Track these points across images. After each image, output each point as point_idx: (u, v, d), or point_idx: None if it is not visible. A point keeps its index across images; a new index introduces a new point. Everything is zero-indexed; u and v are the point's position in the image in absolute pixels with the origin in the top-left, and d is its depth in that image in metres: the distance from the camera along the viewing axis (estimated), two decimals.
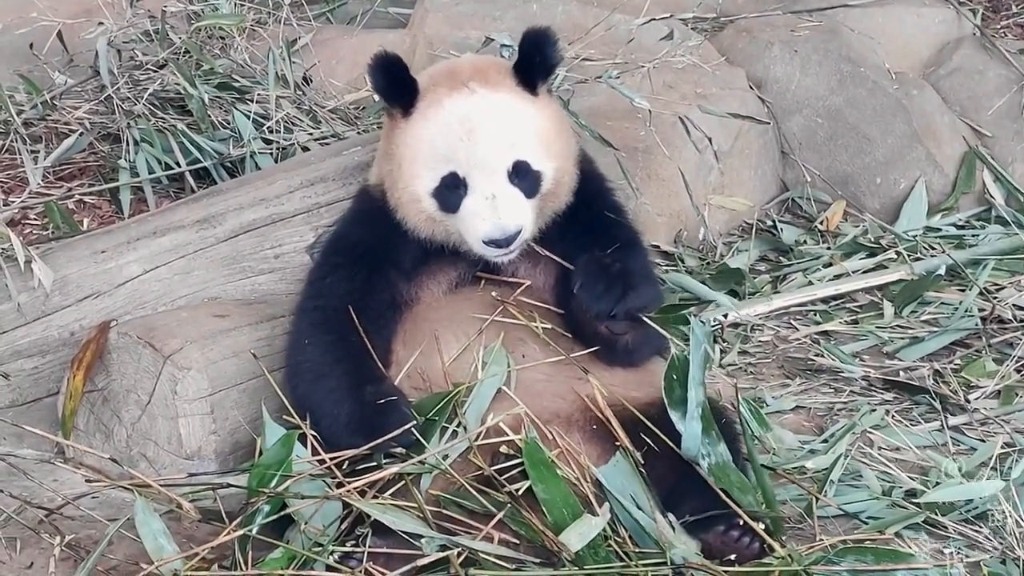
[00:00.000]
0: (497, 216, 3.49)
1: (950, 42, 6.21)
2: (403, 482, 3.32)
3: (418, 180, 3.57)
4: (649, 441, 3.41)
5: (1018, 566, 3.42)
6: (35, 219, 4.92)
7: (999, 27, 6.77)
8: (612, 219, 3.73)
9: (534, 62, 3.62)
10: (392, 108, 3.66)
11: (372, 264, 3.65)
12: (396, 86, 3.61)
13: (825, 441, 4.09)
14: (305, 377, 3.55)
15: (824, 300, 5.08)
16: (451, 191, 3.54)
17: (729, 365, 4.65)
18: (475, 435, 3.36)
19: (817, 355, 4.70)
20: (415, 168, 3.58)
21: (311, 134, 5.20)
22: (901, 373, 4.57)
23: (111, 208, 5.06)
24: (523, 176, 3.56)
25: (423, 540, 3.22)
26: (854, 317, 4.98)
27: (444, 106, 3.57)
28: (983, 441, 4.12)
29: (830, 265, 5.29)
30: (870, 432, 4.14)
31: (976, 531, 3.61)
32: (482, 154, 3.52)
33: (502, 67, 3.71)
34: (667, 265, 5.16)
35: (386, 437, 3.31)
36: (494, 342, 3.53)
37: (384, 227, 3.66)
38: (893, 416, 4.25)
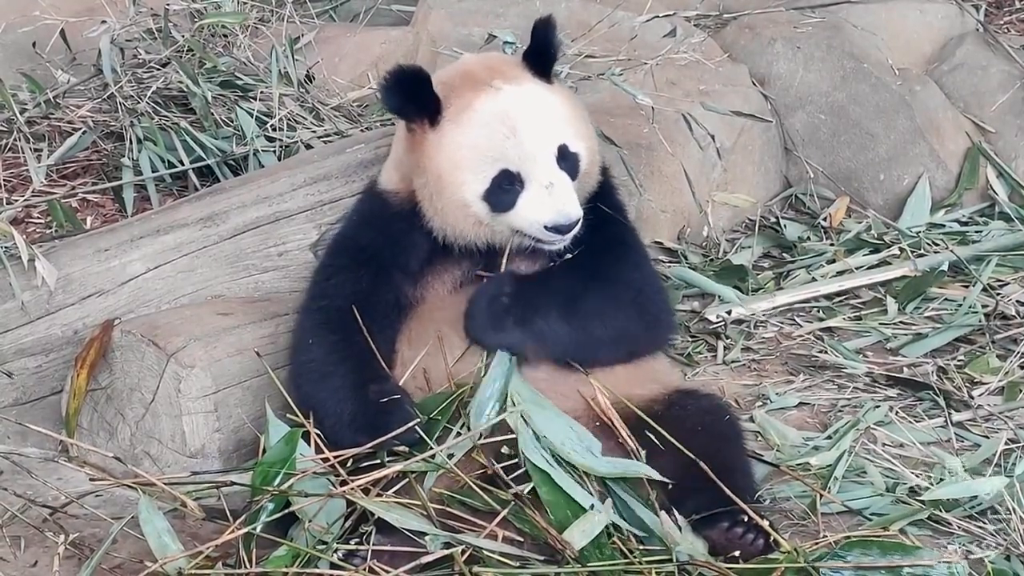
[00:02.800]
0: (561, 203, 3.51)
1: (953, 38, 6.19)
2: (407, 480, 3.33)
3: (466, 187, 3.54)
4: (653, 438, 3.41)
5: (1022, 562, 3.42)
6: (38, 217, 4.92)
7: (1002, 23, 6.75)
8: (610, 216, 3.73)
9: (545, 52, 3.64)
10: (414, 122, 3.62)
11: (378, 266, 3.65)
12: (419, 99, 3.57)
13: (829, 438, 4.08)
14: (309, 376, 3.55)
15: (827, 296, 5.06)
16: (504, 190, 3.53)
17: (733, 362, 4.65)
18: (478, 433, 3.36)
19: (821, 351, 4.70)
20: (459, 175, 3.55)
21: (314, 132, 5.19)
22: (905, 369, 4.56)
23: (114, 206, 5.05)
24: (566, 159, 3.58)
25: (427, 538, 3.23)
26: (857, 313, 4.97)
27: (476, 108, 3.55)
28: (987, 437, 4.12)
29: (833, 261, 5.28)
30: (874, 429, 4.13)
31: (980, 528, 3.61)
32: (531, 146, 3.53)
33: (511, 62, 3.74)
34: (670, 261, 5.16)
35: (389, 435, 3.32)
36: None
37: (393, 230, 3.66)
38: (897, 412, 4.25)
